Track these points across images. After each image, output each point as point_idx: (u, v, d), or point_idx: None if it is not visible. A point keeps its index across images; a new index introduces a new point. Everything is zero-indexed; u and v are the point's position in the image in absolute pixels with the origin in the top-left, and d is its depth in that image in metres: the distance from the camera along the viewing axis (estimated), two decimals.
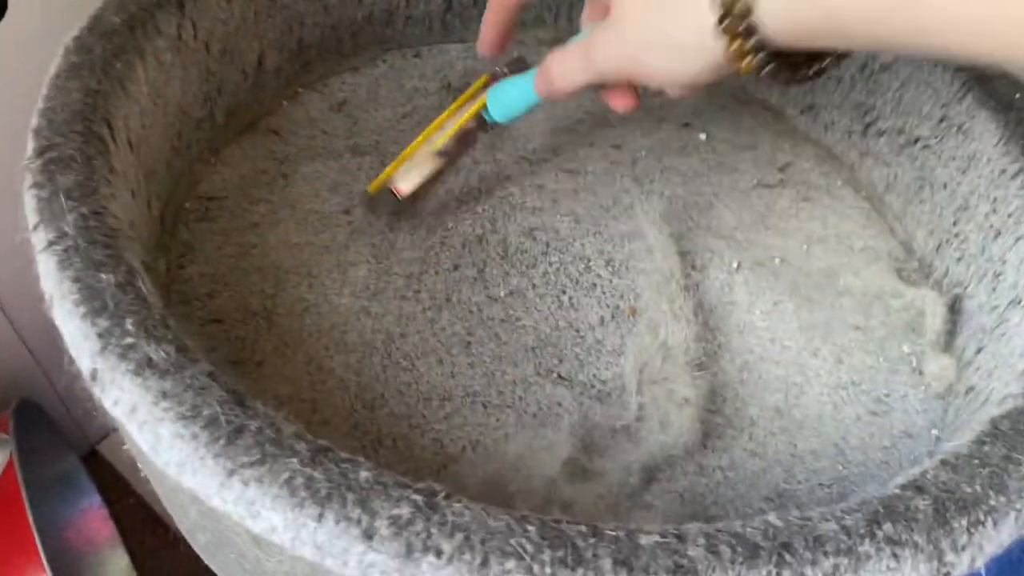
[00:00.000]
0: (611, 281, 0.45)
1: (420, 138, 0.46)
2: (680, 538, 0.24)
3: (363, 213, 0.45)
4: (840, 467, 0.38)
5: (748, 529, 0.25)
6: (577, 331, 0.42)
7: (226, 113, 0.46)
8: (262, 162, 0.47)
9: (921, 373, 0.43)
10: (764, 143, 0.54)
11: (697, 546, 0.24)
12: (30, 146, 0.32)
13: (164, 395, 0.25)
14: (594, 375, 0.41)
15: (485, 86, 0.46)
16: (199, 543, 0.32)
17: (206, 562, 0.34)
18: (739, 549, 0.24)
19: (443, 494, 0.24)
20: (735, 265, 0.46)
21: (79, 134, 0.32)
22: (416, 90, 0.53)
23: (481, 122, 0.45)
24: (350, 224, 0.45)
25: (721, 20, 0.30)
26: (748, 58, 0.30)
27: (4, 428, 0.52)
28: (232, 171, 0.46)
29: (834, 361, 0.43)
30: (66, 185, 0.30)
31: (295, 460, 0.24)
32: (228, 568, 0.31)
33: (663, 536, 0.24)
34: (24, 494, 0.48)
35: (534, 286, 0.44)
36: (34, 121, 0.33)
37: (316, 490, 0.24)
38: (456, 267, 0.45)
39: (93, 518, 0.68)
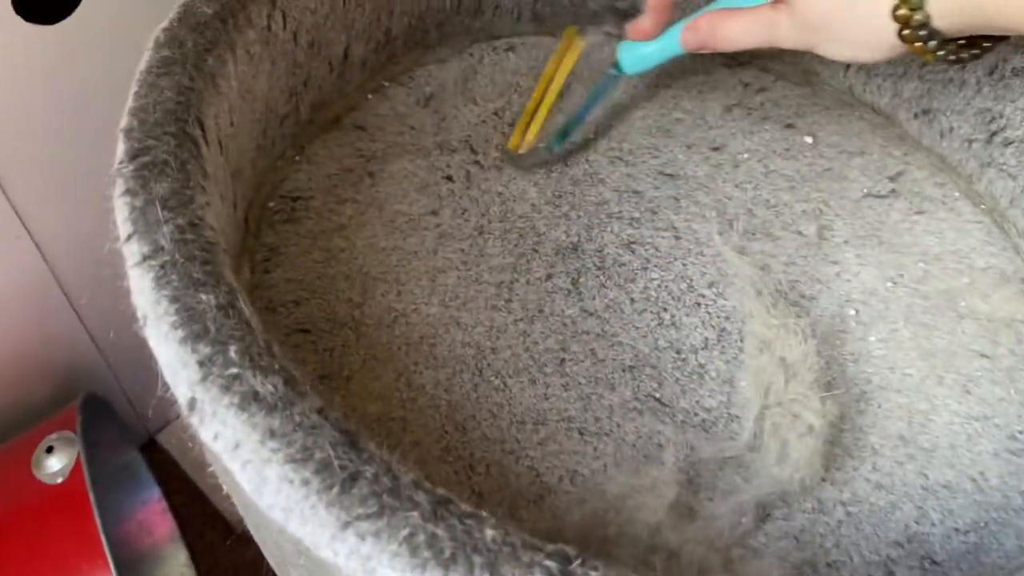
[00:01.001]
0: (715, 302, 0.42)
1: (536, 96, 0.48)
2: None
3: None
4: (977, 507, 0.35)
5: None
6: (678, 352, 0.40)
7: (311, 108, 0.44)
8: (348, 160, 0.45)
9: None
10: (873, 149, 0.51)
11: None
12: (121, 148, 0.30)
13: (272, 434, 0.23)
14: (697, 402, 0.38)
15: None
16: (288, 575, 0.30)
17: None
18: None
19: (579, 561, 0.21)
20: (848, 290, 0.43)
21: (173, 136, 0.30)
22: (509, 85, 0.50)
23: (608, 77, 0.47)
24: (438, 227, 0.43)
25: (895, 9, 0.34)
26: (919, 42, 0.34)
27: (72, 425, 0.51)
28: (317, 169, 0.44)
29: (961, 391, 0.39)
30: (162, 193, 0.28)
31: (416, 514, 0.22)
32: None
33: None
34: (91, 493, 0.47)
35: (632, 301, 0.41)
36: (124, 120, 0.30)
37: (440, 549, 0.21)
38: (549, 276, 0.42)
39: (153, 511, 0.67)
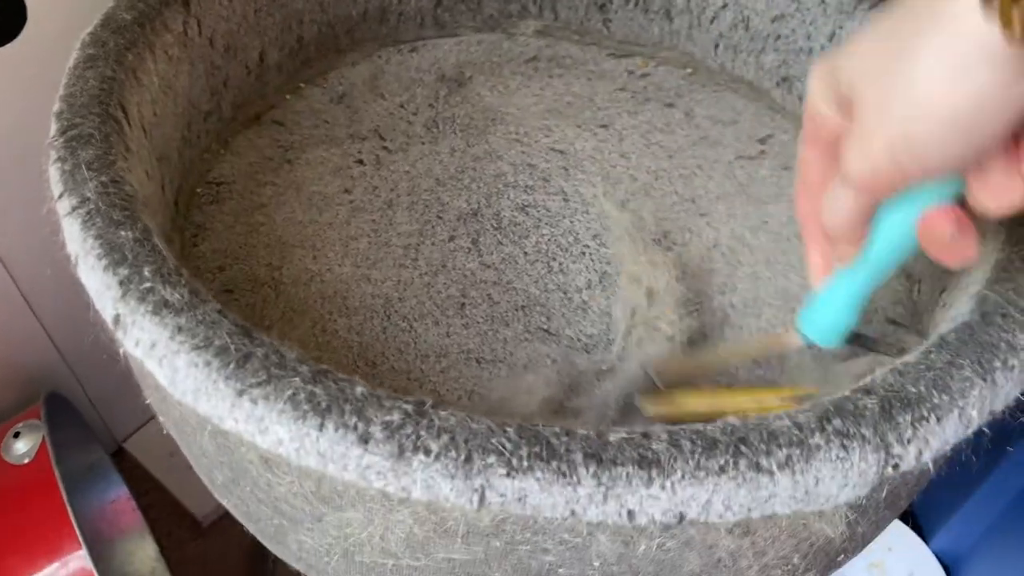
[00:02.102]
0: (599, 250, 0.47)
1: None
2: (645, 436, 0.27)
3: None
4: None
5: (708, 428, 0.27)
6: (565, 293, 0.45)
7: (233, 106, 0.50)
8: (268, 150, 0.50)
9: None
10: (746, 118, 0.57)
11: (660, 441, 0.26)
12: (53, 127, 0.35)
13: (179, 330, 0.28)
14: (580, 331, 0.43)
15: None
16: (217, 484, 0.35)
17: (223, 502, 0.36)
18: (699, 443, 0.26)
19: (430, 403, 0.27)
20: (716, 236, 0.49)
21: (97, 115, 0.35)
22: (414, 81, 0.56)
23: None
24: (351, 203, 0.49)
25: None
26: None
27: (36, 415, 0.55)
28: (240, 159, 0.49)
29: None
30: (87, 158, 0.33)
31: (297, 379, 0.27)
32: (245, 503, 0.34)
33: (629, 434, 0.27)
34: (56, 469, 0.51)
35: (525, 254, 0.47)
36: (56, 106, 0.36)
37: (317, 403, 0.26)
38: (452, 238, 0.47)
39: (122, 509, 0.71)
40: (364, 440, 0.26)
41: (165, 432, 0.39)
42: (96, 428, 0.74)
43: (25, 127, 0.57)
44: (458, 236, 0.48)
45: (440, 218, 0.49)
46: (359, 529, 0.30)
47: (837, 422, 0.27)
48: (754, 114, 0.57)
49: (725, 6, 0.57)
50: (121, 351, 0.35)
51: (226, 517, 0.78)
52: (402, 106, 0.55)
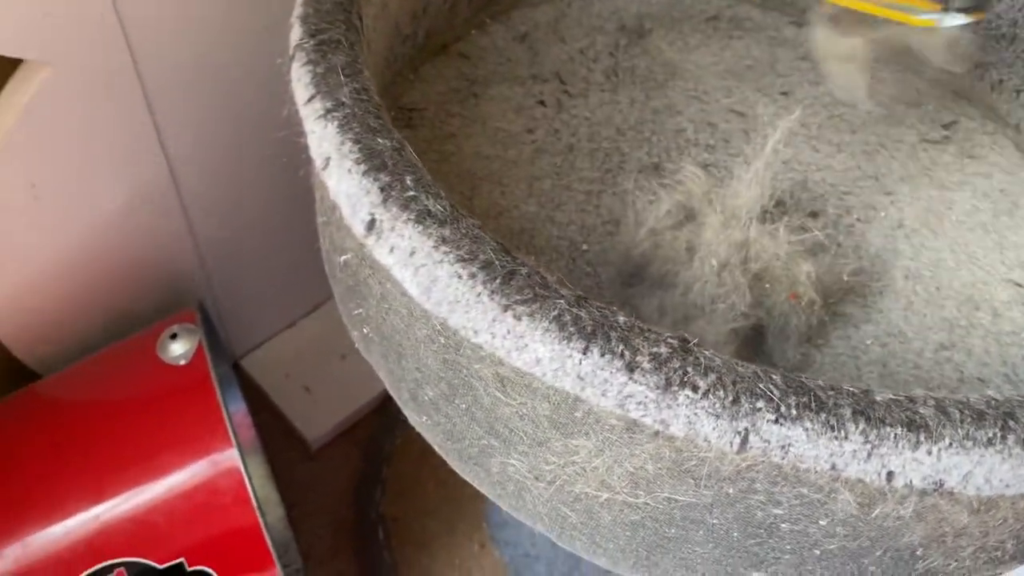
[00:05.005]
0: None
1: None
2: (911, 399, 0.26)
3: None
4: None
5: (973, 399, 0.27)
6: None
7: (427, 33, 0.50)
8: (455, 82, 0.50)
9: None
10: (930, 101, 0.55)
11: (928, 406, 0.26)
12: (299, 30, 0.35)
13: (444, 240, 0.28)
14: None
15: None
16: (420, 400, 0.35)
17: (415, 418, 0.37)
18: (967, 412, 0.26)
19: (695, 341, 0.27)
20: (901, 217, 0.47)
21: (343, 22, 0.35)
22: (594, 27, 0.56)
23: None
24: (534, 143, 0.48)
25: None
26: None
27: (191, 319, 0.56)
28: (429, 87, 0.49)
29: (992, 314, 0.44)
30: (339, 63, 0.33)
31: (562, 301, 0.27)
32: (451, 420, 0.34)
33: (895, 396, 0.26)
34: (212, 372, 0.53)
35: None
36: (299, 9, 0.36)
37: (583, 327, 0.26)
38: (633, 189, 0.47)
39: (240, 423, 0.73)
40: (630, 368, 0.26)
41: (357, 345, 0.40)
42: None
43: (202, 40, 0.58)
44: (640, 188, 0.47)
45: (621, 168, 0.48)
46: (585, 458, 0.30)
47: None
48: (938, 98, 0.56)
49: None
50: (341, 259, 0.35)
51: (336, 443, 0.80)
52: (582, 52, 0.55)
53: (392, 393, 0.38)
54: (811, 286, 0.39)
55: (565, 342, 0.26)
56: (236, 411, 0.72)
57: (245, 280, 0.75)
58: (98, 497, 0.53)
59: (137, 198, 0.61)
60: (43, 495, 0.53)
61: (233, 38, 0.59)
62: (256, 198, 0.71)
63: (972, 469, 0.26)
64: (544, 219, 0.45)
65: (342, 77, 0.32)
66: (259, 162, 0.68)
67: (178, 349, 0.54)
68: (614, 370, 0.26)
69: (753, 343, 0.39)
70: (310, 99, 0.33)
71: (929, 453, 0.25)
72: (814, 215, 0.47)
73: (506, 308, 0.27)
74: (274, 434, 0.79)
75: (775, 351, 0.39)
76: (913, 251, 0.46)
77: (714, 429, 0.25)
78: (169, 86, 0.58)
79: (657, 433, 0.27)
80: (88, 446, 0.54)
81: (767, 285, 0.39)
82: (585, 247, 0.44)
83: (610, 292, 0.42)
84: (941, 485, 0.26)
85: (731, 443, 0.26)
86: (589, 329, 0.26)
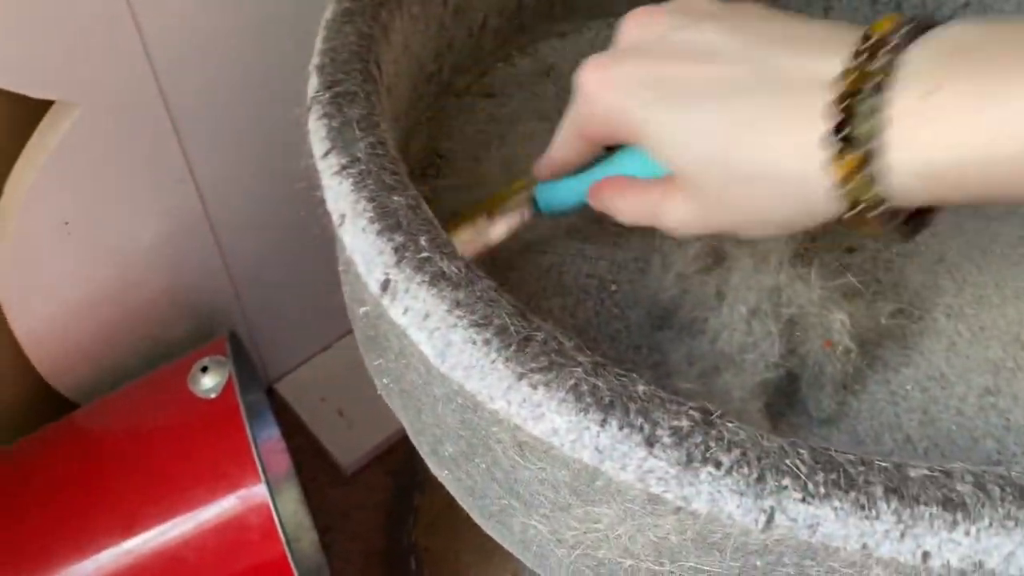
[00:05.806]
0: None
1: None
2: (947, 474, 0.25)
3: None
4: None
5: (1014, 474, 0.25)
6: None
7: (452, 70, 0.49)
8: (482, 123, 0.50)
9: None
10: None
11: (965, 483, 0.25)
12: (315, 81, 0.35)
13: (457, 304, 0.28)
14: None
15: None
16: (441, 454, 0.35)
17: (439, 472, 0.36)
18: (1008, 489, 0.24)
19: (718, 413, 0.26)
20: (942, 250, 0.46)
21: (359, 72, 0.35)
22: None
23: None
24: None
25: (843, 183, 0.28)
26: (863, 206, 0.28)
27: (222, 351, 0.57)
28: (456, 128, 0.49)
29: None
30: (355, 117, 0.33)
31: (579, 369, 0.26)
32: (472, 478, 0.33)
33: (930, 471, 0.25)
34: (242, 407, 0.53)
35: None
36: (316, 59, 0.36)
37: (600, 397, 0.26)
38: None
39: (273, 449, 0.73)
40: (650, 443, 0.25)
41: (379, 392, 0.39)
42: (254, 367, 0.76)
43: (229, 73, 0.58)
44: None
45: None
46: (608, 525, 0.29)
47: None
48: None
49: (967, 4, 0.53)
50: (360, 310, 0.35)
51: (369, 469, 0.80)
52: None
53: (414, 443, 0.38)
54: (846, 333, 0.37)
55: (582, 413, 0.26)
56: (268, 439, 0.73)
57: (278, 304, 0.75)
58: (129, 531, 0.53)
59: (169, 229, 0.62)
60: (76, 528, 0.54)
61: (260, 71, 0.59)
62: (287, 224, 0.71)
63: (1014, 550, 0.24)
64: (574, 253, 0.44)
65: (357, 132, 0.32)
66: (289, 186, 0.68)
67: (209, 382, 0.55)
68: (633, 444, 0.25)
69: (786, 393, 0.37)
70: (326, 153, 0.32)
71: (967, 534, 0.24)
72: (851, 250, 0.46)
73: (521, 376, 0.26)
74: (308, 457, 0.79)
75: (810, 400, 0.38)
76: (956, 287, 0.44)
77: (738, 507, 0.24)
78: (198, 119, 0.58)
79: (679, 508, 0.26)
80: (120, 480, 0.55)
81: (799, 333, 0.37)
82: (614, 287, 0.43)
83: (639, 335, 0.41)
84: (981, 566, 0.24)
85: (756, 521, 0.24)
86: (607, 400, 0.26)
